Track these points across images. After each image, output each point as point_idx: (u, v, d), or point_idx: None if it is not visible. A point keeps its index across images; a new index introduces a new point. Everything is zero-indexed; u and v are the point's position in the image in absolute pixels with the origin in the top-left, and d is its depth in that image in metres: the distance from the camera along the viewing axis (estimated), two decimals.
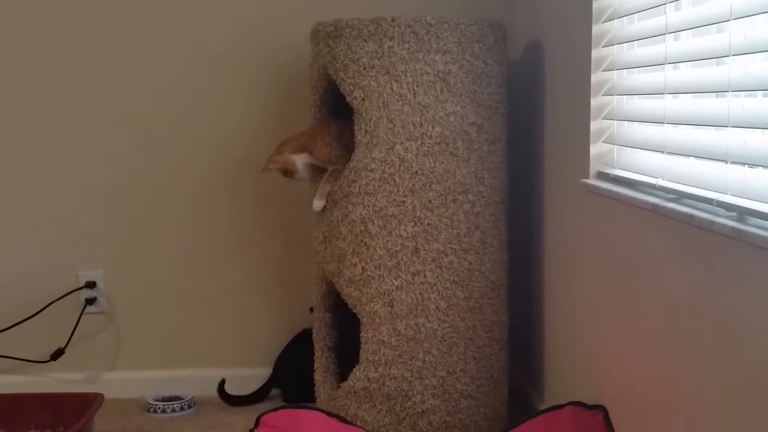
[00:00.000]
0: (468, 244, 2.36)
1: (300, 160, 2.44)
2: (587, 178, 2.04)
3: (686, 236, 1.51)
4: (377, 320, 2.36)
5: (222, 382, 2.86)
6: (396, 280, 2.34)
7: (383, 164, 2.32)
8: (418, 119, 2.30)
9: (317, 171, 2.49)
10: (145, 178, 2.91)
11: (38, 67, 2.85)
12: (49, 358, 2.89)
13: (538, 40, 2.54)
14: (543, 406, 2.41)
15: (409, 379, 2.36)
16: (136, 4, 2.84)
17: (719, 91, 1.51)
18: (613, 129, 1.99)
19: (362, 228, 2.35)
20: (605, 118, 2.00)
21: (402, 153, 2.31)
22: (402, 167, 2.31)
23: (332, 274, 2.45)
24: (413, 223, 2.32)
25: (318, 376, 2.59)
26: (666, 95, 1.70)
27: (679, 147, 1.66)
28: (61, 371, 2.93)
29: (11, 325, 2.87)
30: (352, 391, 2.41)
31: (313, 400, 2.60)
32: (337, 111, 2.50)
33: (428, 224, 2.33)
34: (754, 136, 1.40)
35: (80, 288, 2.92)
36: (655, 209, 1.62)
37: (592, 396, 2.03)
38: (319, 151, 2.43)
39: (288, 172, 2.46)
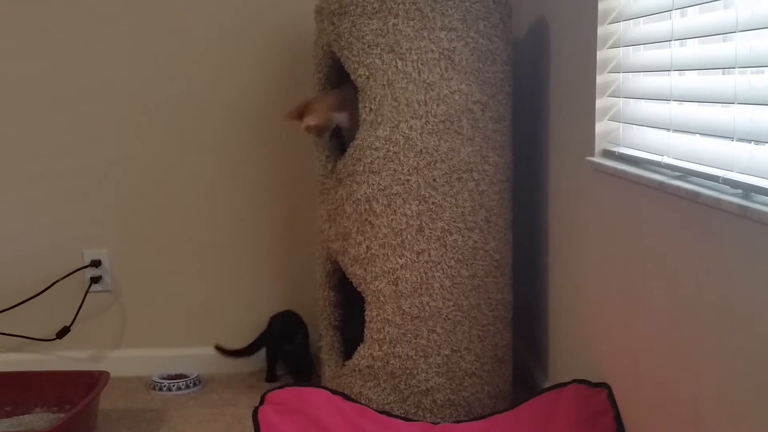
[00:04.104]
0: (473, 222, 2.36)
1: (337, 119, 2.41)
2: (592, 156, 2.03)
3: (692, 214, 1.50)
4: (382, 299, 2.36)
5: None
6: (400, 258, 2.34)
7: (388, 142, 2.31)
8: (423, 97, 2.29)
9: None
10: (149, 157, 2.91)
11: (39, 40, 2.84)
12: (54, 337, 2.90)
13: (543, 18, 2.53)
14: (547, 385, 2.42)
15: (414, 357, 2.37)
16: None
17: (726, 67, 1.50)
18: (619, 107, 1.98)
19: (367, 207, 2.35)
20: (611, 95, 1.99)
21: (406, 131, 2.30)
22: (406, 145, 2.31)
23: (337, 253, 2.45)
24: (418, 202, 2.32)
25: (323, 355, 2.60)
26: (672, 72, 1.69)
27: (685, 124, 1.65)
28: (67, 349, 2.94)
29: (17, 303, 2.88)
30: (357, 369, 2.42)
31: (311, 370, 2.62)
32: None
33: (433, 203, 2.32)
34: (761, 113, 1.39)
35: (85, 266, 2.93)
36: (660, 187, 1.61)
37: (595, 374, 2.03)
38: (356, 114, 2.37)
39: (323, 130, 2.39)
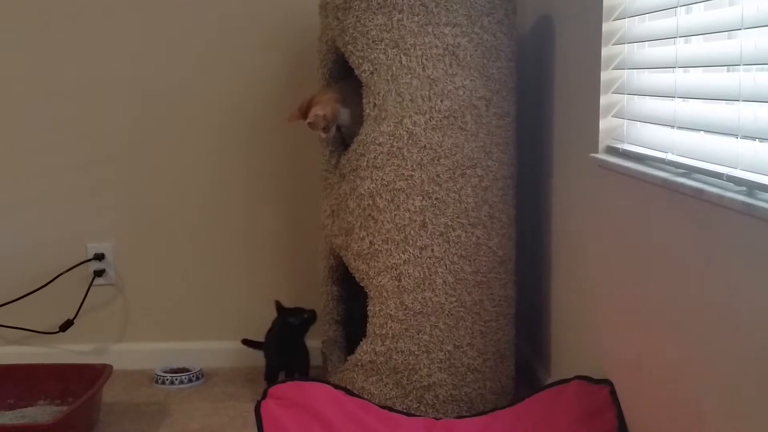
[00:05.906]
0: (476, 218, 2.36)
1: (340, 113, 2.40)
2: (596, 152, 2.03)
3: (696, 211, 1.50)
4: (384, 294, 2.36)
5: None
6: (403, 254, 2.34)
7: (391, 138, 2.31)
8: (427, 93, 2.29)
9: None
10: (153, 151, 2.91)
11: (41, 35, 2.84)
12: (58, 330, 2.91)
13: (548, 14, 2.52)
14: (549, 381, 2.42)
15: (416, 352, 2.37)
16: None
17: (731, 64, 1.50)
18: (623, 103, 1.98)
19: (370, 202, 2.35)
20: (615, 92, 1.99)
21: (410, 127, 2.30)
22: (410, 141, 2.31)
23: (340, 248, 2.45)
24: (421, 197, 2.32)
25: (325, 349, 2.61)
26: (677, 69, 1.69)
27: (690, 121, 1.65)
28: (70, 342, 2.95)
29: (21, 296, 2.88)
30: (359, 364, 2.42)
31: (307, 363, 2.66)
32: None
33: (436, 198, 2.32)
34: (765, 111, 1.39)
35: (89, 260, 2.93)
36: (664, 184, 1.61)
37: (598, 371, 2.03)
38: (359, 110, 2.36)
39: (329, 123, 2.38)
